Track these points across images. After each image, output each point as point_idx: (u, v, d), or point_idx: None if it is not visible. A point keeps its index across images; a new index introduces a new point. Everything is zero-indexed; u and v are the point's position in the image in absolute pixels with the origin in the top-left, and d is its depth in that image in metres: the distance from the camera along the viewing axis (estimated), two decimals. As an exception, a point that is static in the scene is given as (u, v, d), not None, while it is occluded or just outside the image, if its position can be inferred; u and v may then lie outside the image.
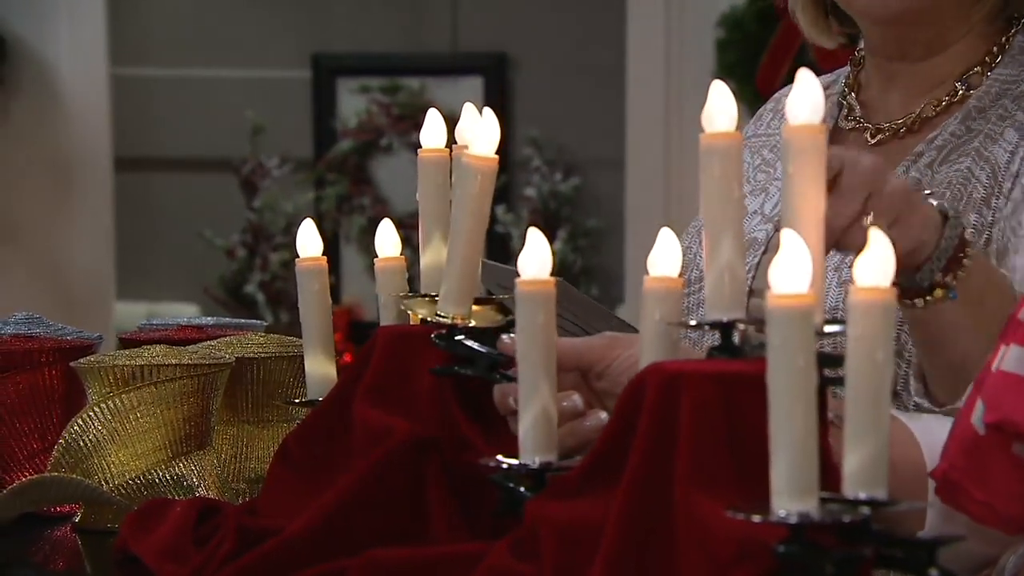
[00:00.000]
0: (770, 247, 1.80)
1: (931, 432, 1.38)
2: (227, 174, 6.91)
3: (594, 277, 6.81)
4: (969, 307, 1.44)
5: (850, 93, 1.87)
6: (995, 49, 1.79)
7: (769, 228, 1.83)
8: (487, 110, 1.43)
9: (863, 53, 1.88)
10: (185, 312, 6.53)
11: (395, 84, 7.05)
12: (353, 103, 7.09)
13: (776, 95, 2.02)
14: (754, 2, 5.39)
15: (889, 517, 1.07)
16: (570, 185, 6.84)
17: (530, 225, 1.30)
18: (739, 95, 5.30)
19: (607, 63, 6.47)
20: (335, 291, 6.67)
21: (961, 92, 1.79)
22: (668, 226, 1.28)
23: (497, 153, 1.42)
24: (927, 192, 1.48)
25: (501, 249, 6.16)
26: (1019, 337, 1.10)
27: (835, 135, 1.85)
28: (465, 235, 1.43)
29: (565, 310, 1.56)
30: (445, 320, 1.43)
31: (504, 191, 6.72)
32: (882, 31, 1.81)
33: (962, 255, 1.42)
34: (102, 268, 5.94)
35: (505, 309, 1.46)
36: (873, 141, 1.83)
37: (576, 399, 1.38)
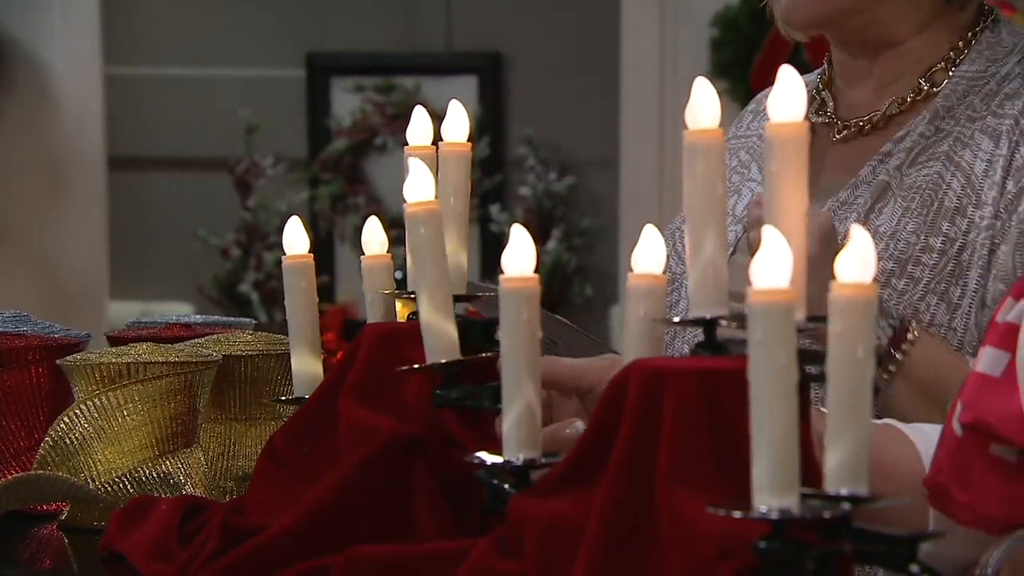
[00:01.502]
0: (738, 248, 1.80)
1: (933, 441, 1.37)
2: (221, 173, 6.91)
3: (588, 277, 6.81)
4: (912, 395, 1.42)
5: (824, 88, 1.87)
6: (960, 44, 1.78)
7: (739, 229, 1.83)
8: (418, 164, 1.38)
9: None
10: (179, 311, 6.53)
11: (390, 83, 7.04)
12: (348, 102, 7.08)
13: (757, 96, 2.03)
14: (747, 1, 5.40)
15: (886, 520, 1.07)
16: (564, 184, 6.84)
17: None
18: (733, 94, 5.30)
19: (602, 62, 6.47)
20: (330, 290, 6.67)
21: (926, 89, 1.78)
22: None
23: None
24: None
25: (495, 249, 6.16)
26: (994, 339, 1.10)
27: None
28: (431, 285, 1.39)
29: (557, 338, 1.56)
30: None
31: (499, 190, 6.72)
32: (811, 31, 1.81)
33: (896, 347, 1.39)
34: (96, 267, 5.94)
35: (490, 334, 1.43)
36: (838, 137, 1.83)
37: (579, 426, 1.37)
